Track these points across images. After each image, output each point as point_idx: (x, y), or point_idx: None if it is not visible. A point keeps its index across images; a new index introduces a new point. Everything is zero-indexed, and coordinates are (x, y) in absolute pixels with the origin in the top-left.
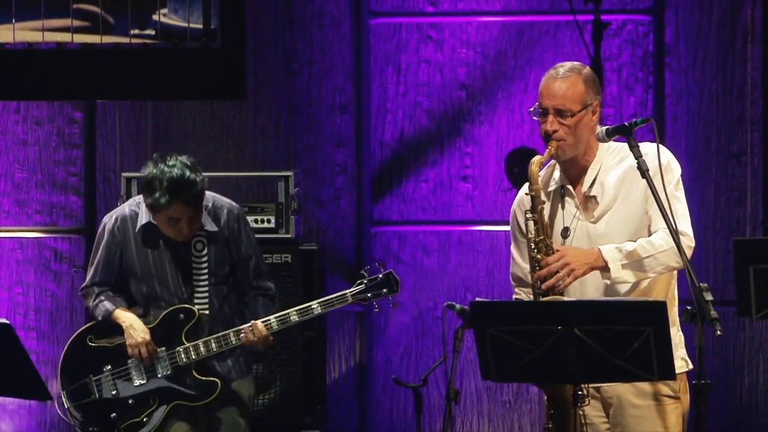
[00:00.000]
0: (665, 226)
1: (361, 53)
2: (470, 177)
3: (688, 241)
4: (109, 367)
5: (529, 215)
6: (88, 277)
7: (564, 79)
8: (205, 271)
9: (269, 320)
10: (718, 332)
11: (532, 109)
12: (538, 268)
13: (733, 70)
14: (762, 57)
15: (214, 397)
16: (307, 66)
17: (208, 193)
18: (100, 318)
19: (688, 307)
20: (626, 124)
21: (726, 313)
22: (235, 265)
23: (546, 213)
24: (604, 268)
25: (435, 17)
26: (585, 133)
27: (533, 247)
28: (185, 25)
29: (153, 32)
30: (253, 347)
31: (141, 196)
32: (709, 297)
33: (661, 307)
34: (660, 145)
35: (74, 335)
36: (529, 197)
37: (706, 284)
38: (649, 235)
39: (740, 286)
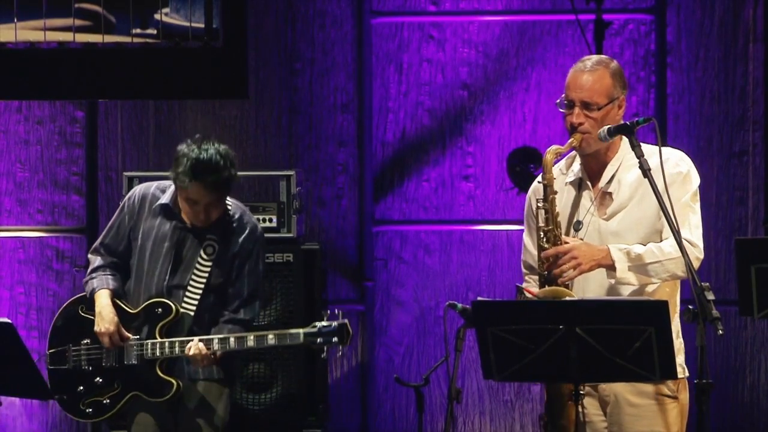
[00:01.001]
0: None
1: (363, 52)
2: (472, 176)
3: (698, 253)
4: (88, 341)
5: (540, 204)
6: (99, 239)
7: (592, 71)
8: (205, 277)
9: (211, 339)
10: (720, 332)
11: (558, 101)
12: (545, 257)
13: (734, 70)
14: (764, 56)
15: (168, 397)
16: (308, 65)
17: (240, 205)
18: (87, 294)
19: (690, 306)
20: (628, 123)
21: (727, 313)
22: (227, 281)
23: (560, 203)
24: (611, 267)
25: (437, 16)
26: None
27: (542, 236)
28: (187, 24)
29: (155, 32)
30: (197, 364)
31: (171, 181)
32: (710, 296)
33: (663, 306)
34: (683, 154)
35: (70, 300)
36: (541, 186)
37: (707, 284)
38: (661, 240)
39: (742, 286)
